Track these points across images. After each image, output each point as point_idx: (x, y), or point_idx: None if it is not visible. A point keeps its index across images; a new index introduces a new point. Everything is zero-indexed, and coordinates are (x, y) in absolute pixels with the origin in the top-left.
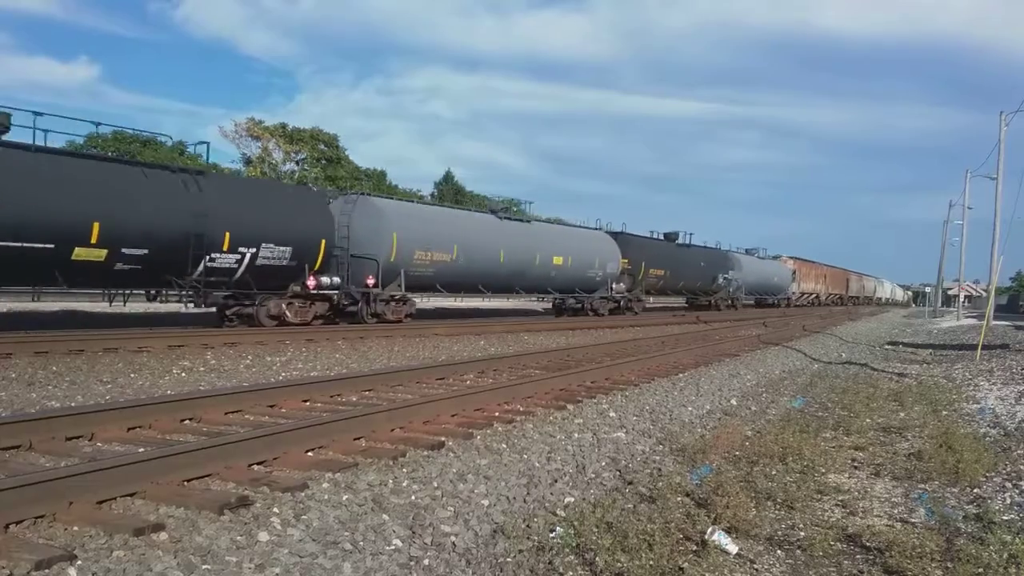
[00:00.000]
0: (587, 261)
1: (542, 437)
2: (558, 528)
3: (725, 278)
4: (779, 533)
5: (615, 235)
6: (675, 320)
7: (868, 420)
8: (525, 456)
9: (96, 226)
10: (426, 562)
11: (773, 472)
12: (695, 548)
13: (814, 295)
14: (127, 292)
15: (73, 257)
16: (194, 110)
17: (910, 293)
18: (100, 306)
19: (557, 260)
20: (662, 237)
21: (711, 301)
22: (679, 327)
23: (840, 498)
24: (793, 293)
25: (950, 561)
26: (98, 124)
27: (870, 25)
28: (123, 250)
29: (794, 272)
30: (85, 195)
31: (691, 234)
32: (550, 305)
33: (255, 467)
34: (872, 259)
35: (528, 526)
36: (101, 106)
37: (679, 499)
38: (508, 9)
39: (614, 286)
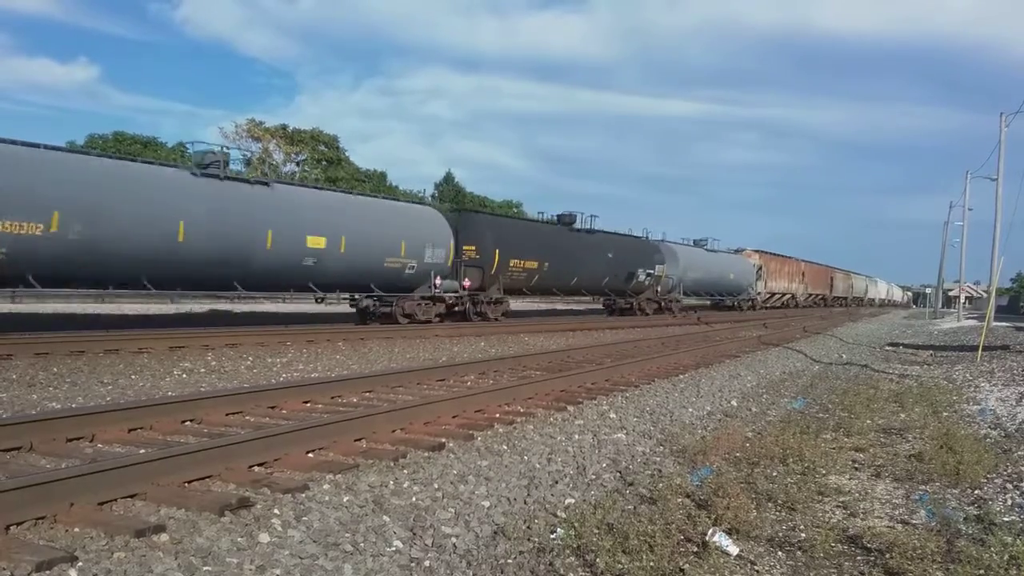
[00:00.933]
0: (384, 245)
1: (543, 438)
2: (559, 529)
3: (650, 274)
4: (780, 534)
5: (456, 213)
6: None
7: (869, 421)
8: (526, 457)
9: None
10: (427, 563)
11: (774, 473)
12: (696, 549)
13: (788, 295)
14: None
15: None
16: (194, 111)
17: (910, 294)
18: (99, 307)
19: (315, 242)
20: (555, 219)
21: (633, 303)
22: (680, 328)
23: (841, 499)
24: (759, 293)
25: (951, 562)
26: None
27: (869, 25)
28: None
29: (759, 268)
30: None
31: (594, 217)
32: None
33: (256, 468)
34: (872, 260)
35: (529, 527)
36: (101, 107)
37: (680, 500)
38: (508, 10)
39: (438, 281)
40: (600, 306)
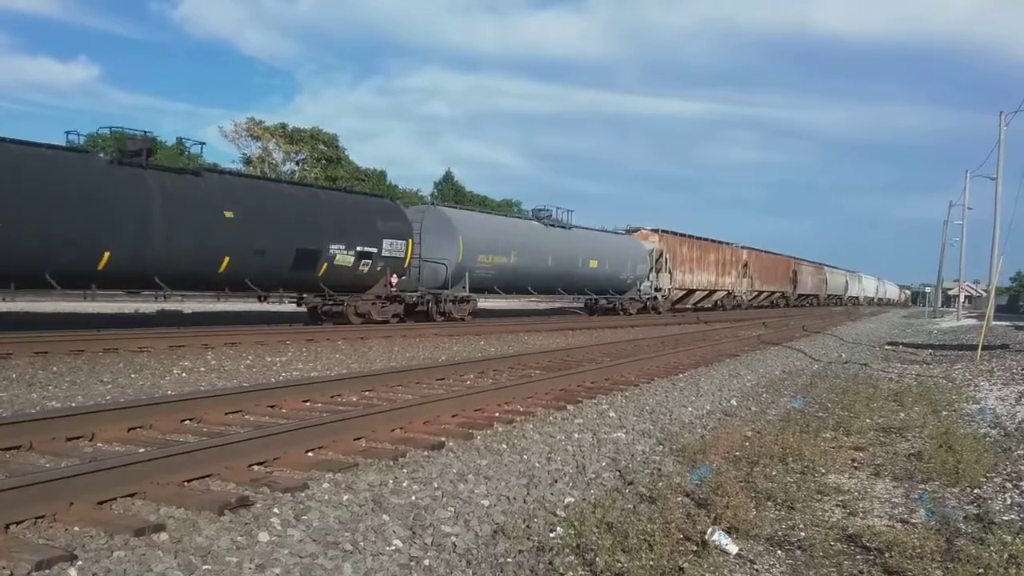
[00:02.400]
0: None
1: (542, 437)
2: (558, 528)
3: (367, 255)
4: (779, 533)
5: None
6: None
7: (868, 420)
8: (525, 456)
9: None
10: (426, 562)
11: (773, 472)
12: (695, 548)
13: (720, 292)
14: None
15: None
16: (194, 110)
17: (908, 292)
18: (99, 307)
19: None
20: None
21: (345, 305)
22: (678, 327)
23: (840, 498)
24: (660, 289)
25: (950, 561)
26: None
27: (869, 25)
28: None
29: (660, 254)
30: None
31: (193, 146)
32: None
33: (255, 467)
34: (872, 259)
35: (528, 526)
36: (101, 106)
37: (679, 499)
38: (507, 10)
39: None
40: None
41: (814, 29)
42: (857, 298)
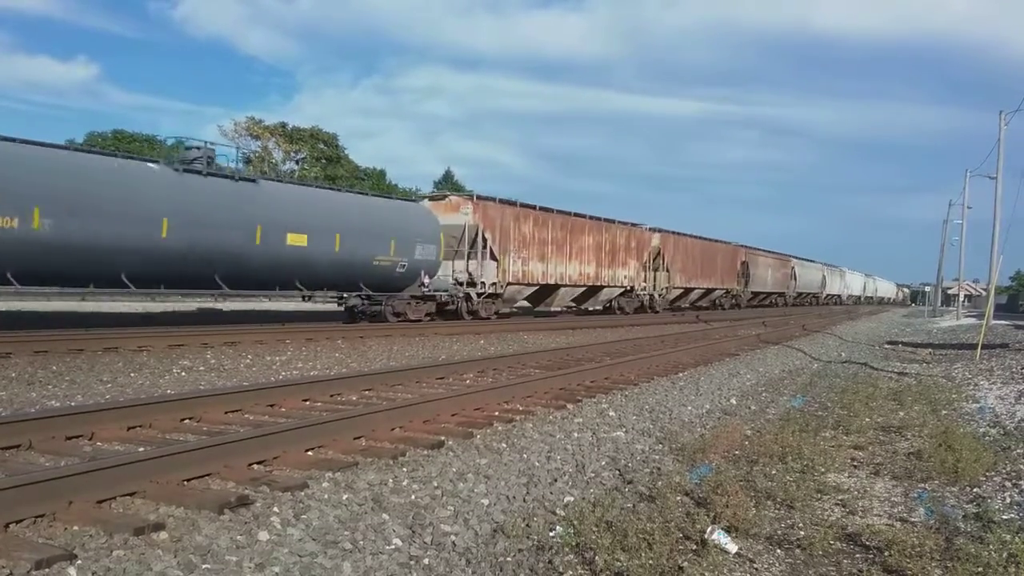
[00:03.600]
0: None
1: (542, 436)
2: (558, 527)
3: None
4: (779, 532)
5: None
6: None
7: (868, 419)
8: (525, 455)
9: None
10: (426, 561)
11: (773, 471)
12: (695, 547)
13: (617, 289)
14: None
15: None
16: (193, 109)
17: (906, 291)
18: (98, 306)
19: None
20: None
21: None
22: (678, 326)
23: (840, 497)
24: (476, 284)
25: (949, 560)
26: None
27: (868, 24)
28: None
29: (476, 234)
30: None
31: None
32: None
33: (255, 466)
34: (872, 258)
35: (528, 525)
36: (100, 106)
37: (679, 498)
38: (506, 9)
39: None
40: None
41: (813, 28)
42: (839, 296)
